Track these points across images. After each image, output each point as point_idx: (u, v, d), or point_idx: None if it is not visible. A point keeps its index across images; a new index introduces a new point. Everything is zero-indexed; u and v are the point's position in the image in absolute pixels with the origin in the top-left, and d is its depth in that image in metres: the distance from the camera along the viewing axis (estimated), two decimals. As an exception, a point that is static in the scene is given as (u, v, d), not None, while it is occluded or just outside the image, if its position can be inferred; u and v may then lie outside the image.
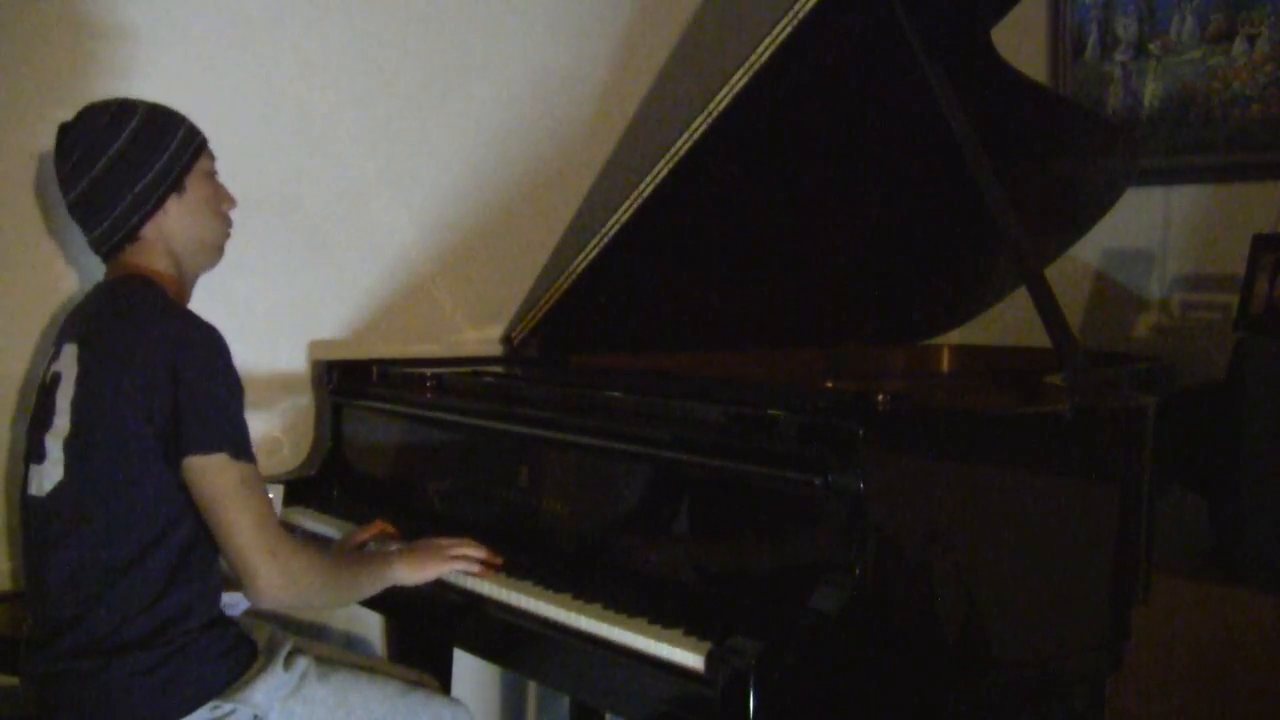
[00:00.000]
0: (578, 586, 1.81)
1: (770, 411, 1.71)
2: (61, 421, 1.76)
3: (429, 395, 2.31)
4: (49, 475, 1.76)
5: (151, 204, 1.84)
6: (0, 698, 1.97)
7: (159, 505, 1.73)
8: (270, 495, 1.84)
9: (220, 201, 1.95)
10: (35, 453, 1.80)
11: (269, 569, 1.70)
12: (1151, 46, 3.03)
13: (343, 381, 2.47)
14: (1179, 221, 3.03)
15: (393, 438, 2.43)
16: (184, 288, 1.92)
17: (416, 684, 1.98)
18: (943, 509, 1.67)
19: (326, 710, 1.84)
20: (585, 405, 2.04)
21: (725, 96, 2.19)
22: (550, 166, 2.86)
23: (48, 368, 1.84)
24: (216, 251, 1.96)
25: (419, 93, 2.65)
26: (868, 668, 1.57)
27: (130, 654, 1.71)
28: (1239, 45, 2.88)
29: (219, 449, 1.71)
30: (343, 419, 2.48)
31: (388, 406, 2.39)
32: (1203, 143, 2.96)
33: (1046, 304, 1.97)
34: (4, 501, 2.11)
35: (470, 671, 2.67)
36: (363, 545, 2.08)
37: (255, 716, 1.77)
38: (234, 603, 1.88)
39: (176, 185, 1.86)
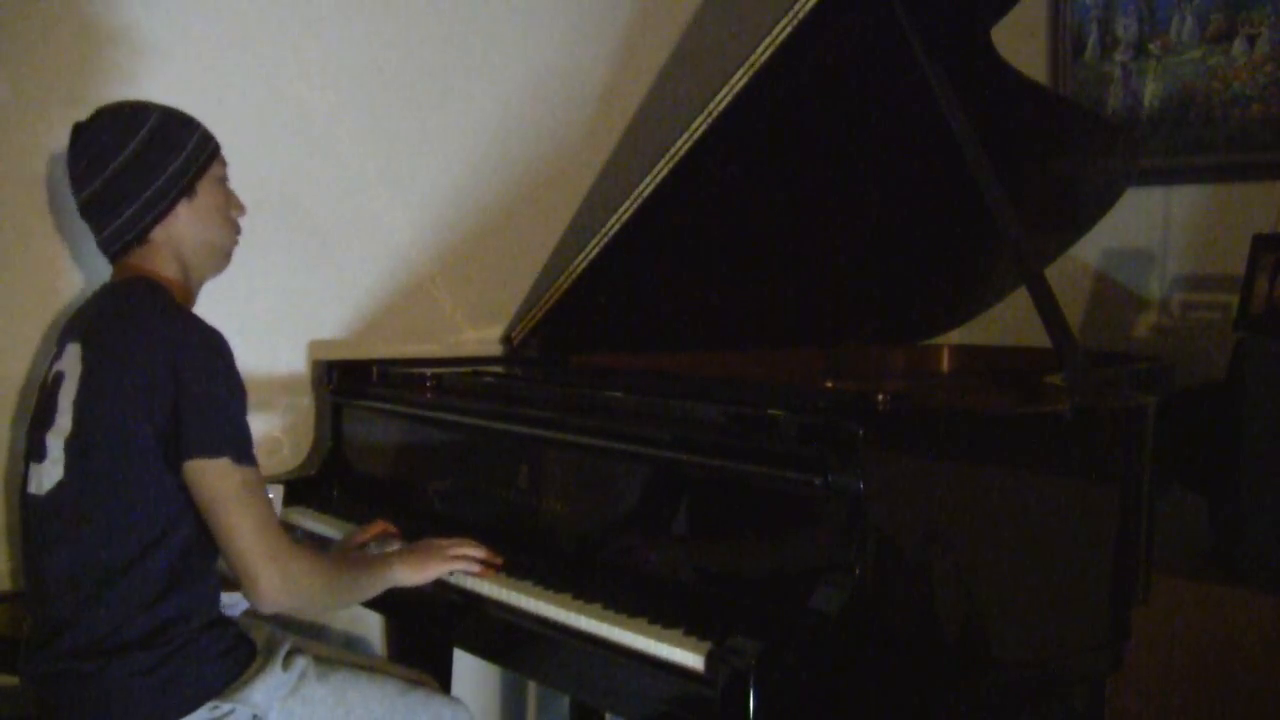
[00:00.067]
0: (578, 586, 1.81)
1: (770, 411, 1.71)
2: (63, 420, 1.76)
3: (429, 395, 2.31)
4: (49, 474, 1.76)
5: (162, 207, 1.85)
6: (0, 698, 1.97)
7: (159, 506, 1.73)
8: (270, 496, 1.84)
9: (230, 208, 1.96)
10: (36, 451, 1.80)
11: (270, 573, 1.70)
12: (1151, 46, 3.03)
13: (343, 381, 2.47)
14: (1179, 221, 3.03)
15: (393, 438, 2.43)
16: (190, 292, 1.92)
17: (416, 683, 1.98)
18: (943, 509, 1.67)
19: (326, 710, 1.84)
20: (585, 405, 2.04)
21: (725, 96, 2.19)
22: (550, 166, 2.86)
23: (50, 367, 1.84)
24: (224, 257, 1.97)
25: (419, 93, 2.65)
26: (868, 668, 1.57)
27: (130, 654, 1.71)
28: (1239, 45, 2.88)
29: (221, 453, 1.71)
30: (343, 419, 2.48)
31: (388, 406, 2.39)
32: (1203, 143, 2.96)
33: (1046, 304, 1.97)
34: (4, 502, 2.11)
35: (470, 671, 2.67)
36: (363, 545, 2.08)
37: (254, 716, 1.77)
38: (233, 603, 1.88)
39: (188, 190, 1.87)
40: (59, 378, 1.79)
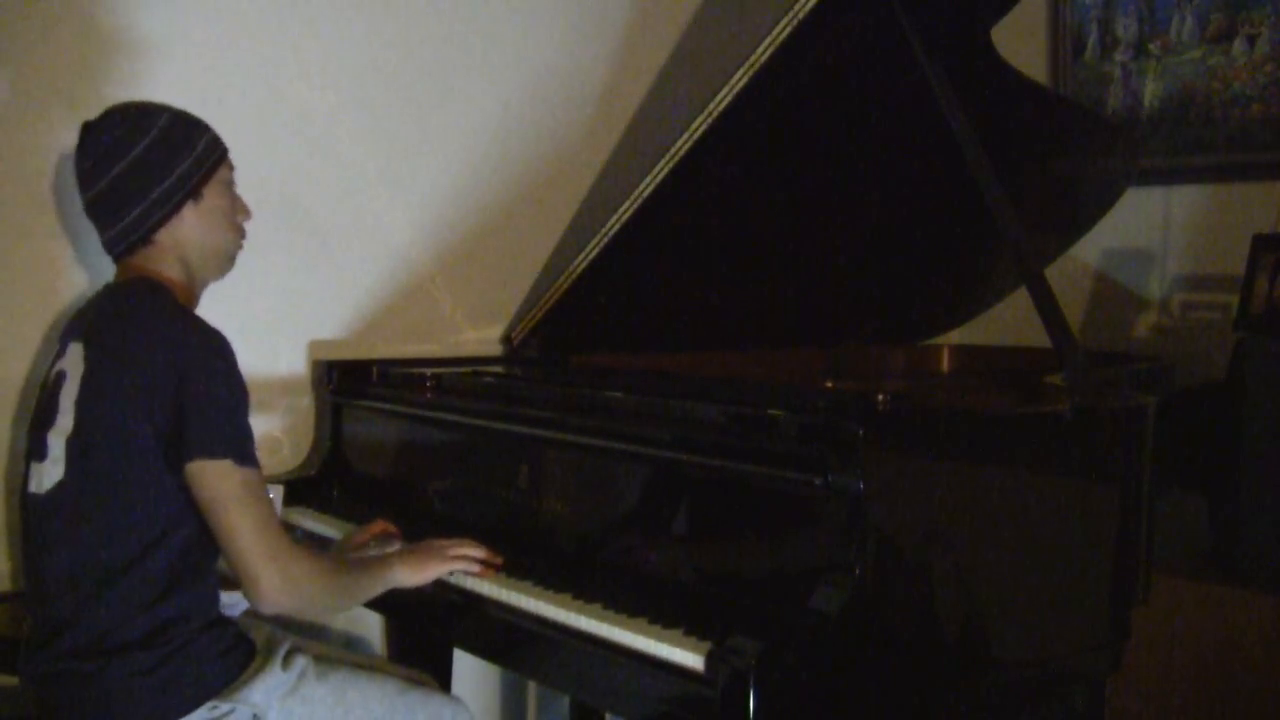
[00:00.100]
0: (578, 586, 1.81)
1: (770, 411, 1.71)
2: (65, 420, 1.76)
3: (429, 395, 2.31)
4: (49, 473, 1.76)
5: (168, 209, 1.85)
6: (0, 698, 1.97)
7: (159, 506, 1.73)
8: (271, 496, 1.84)
9: (236, 212, 1.96)
10: (37, 450, 1.80)
11: (271, 574, 1.70)
12: (1151, 46, 3.03)
13: (343, 381, 2.47)
14: (1179, 221, 3.03)
15: (393, 438, 2.43)
16: (193, 294, 1.92)
17: (415, 682, 1.98)
18: (943, 509, 1.67)
19: (325, 709, 1.84)
20: (585, 405, 2.04)
21: (725, 96, 2.19)
22: (550, 166, 2.86)
23: (52, 366, 1.84)
24: (228, 261, 1.97)
25: (419, 93, 2.65)
26: (868, 668, 1.57)
27: (130, 654, 1.71)
28: (1239, 45, 2.88)
29: (223, 454, 1.71)
30: (343, 419, 2.48)
31: (388, 406, 2.39)
32: (1203, 143, 2.96)
33: (1046, 304, 1.97)
34: (4, 502, 2.11)
35: (470, 671, 2.67)
36: (364, 545, 2.08)
37: (254, 716, 1.77)
38: (234, 603, 1.88)
39: (194, 193, 1.87)
40: (61, 377, 1.80)
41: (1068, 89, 3.14)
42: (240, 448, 1.73)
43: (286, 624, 1.98)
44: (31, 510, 1.81)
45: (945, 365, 2.99)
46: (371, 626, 2.59)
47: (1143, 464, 1.91)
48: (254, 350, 2.35)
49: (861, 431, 1.56)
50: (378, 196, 2.60)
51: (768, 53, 2.13)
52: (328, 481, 2.47)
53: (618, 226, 2.38)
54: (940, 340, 3.06)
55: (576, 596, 1.78)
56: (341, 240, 2.55)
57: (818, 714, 1.53)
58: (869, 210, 2.71)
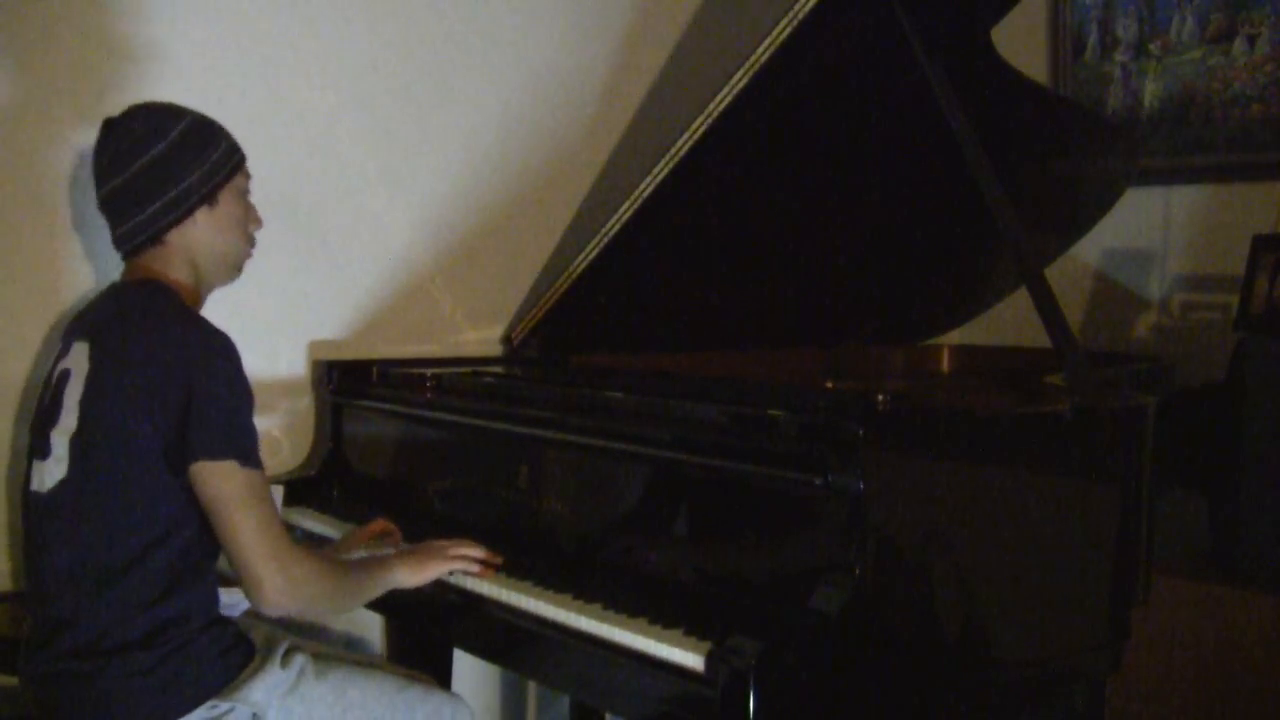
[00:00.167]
0: (578, 586, 1.81)
1: (770, 411, 1.71)
2: (69, 419, 1.76)
3: (429, 395, 2.31)
4: (52, 472, 1.76)
5: (182, 211, 1.85)
6: (0, 698, 1.97)
7: (160, 507, 1.73)
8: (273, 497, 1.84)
9: (249, 221, 1.96)
10: (40, 448, 1.80)
11: (274, 577, 1.70)
12: (1151, 47, 3.04)
13: (343, 382, 2.47)
14: (1179, 221, 3.03)
15: (393, 438, 2.43)
16: (198, 298, 1.93)
17: (415, 679, 1.98)
18: (943, 509, 1.67)
19: (325, 707, 1.84)
20: (585, 405, 2.04)
21: (725, 96, 2.19)
22: (550, 166, 2.86)
23: (55, 364, 1.84)
24: (235, 269, 1.98)
25: (419, 93, 2.65)
26: (868, 668, 1.57)
27: (129, 654, 1.71)
28: (1239, 45, 2.89)
29: (227, 455, 1.71)
30: (343, 419, 2.48)
31: (388, 407, 2.39)
32: (1203, 143, 2.96)
33: (1046, 304, 1.97)
34: (4, 502, 2.11)
35: (470, 671, 2.67)
36: (363, 545, 2.08)
37: (254, 715, 1.77)
38: (234, 603, 1.88)
39: (209, 198, 1.88)
40: (65, 375, 1.80)
41: (1068, 89, 3.14)
42: (244, 449, 1.73)
43: (286, 624, 1.98)
44: (33, 508, 1.81)
45: (945, 365, 2.98)
46: (371, 627, 2.59)
47: (1143, 464, 1.91)
48: (254, 350, 2.34)
49: (861, 431, 1.56)
50: (378, 196, 2.60)
51: (768, 53, 2.13)
52: (328, 481, 2.47)
53: (618, 227, 2.38)
54: (940, 340, 3.06)
55: (576, 596, 1.78)
56: (341, 240, 2.55)
57: (818, 714, 1.53)
58: (869, 210, 2.71)
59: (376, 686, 1.89)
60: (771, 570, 1.68)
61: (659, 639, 1.61)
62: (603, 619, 1.69)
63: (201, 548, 1.77)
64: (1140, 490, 1.91)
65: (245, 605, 1.86)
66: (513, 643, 1.88)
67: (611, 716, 2.55)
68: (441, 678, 2.38)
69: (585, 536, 1.97)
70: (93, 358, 1.77)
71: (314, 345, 2.53)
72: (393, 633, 2.58)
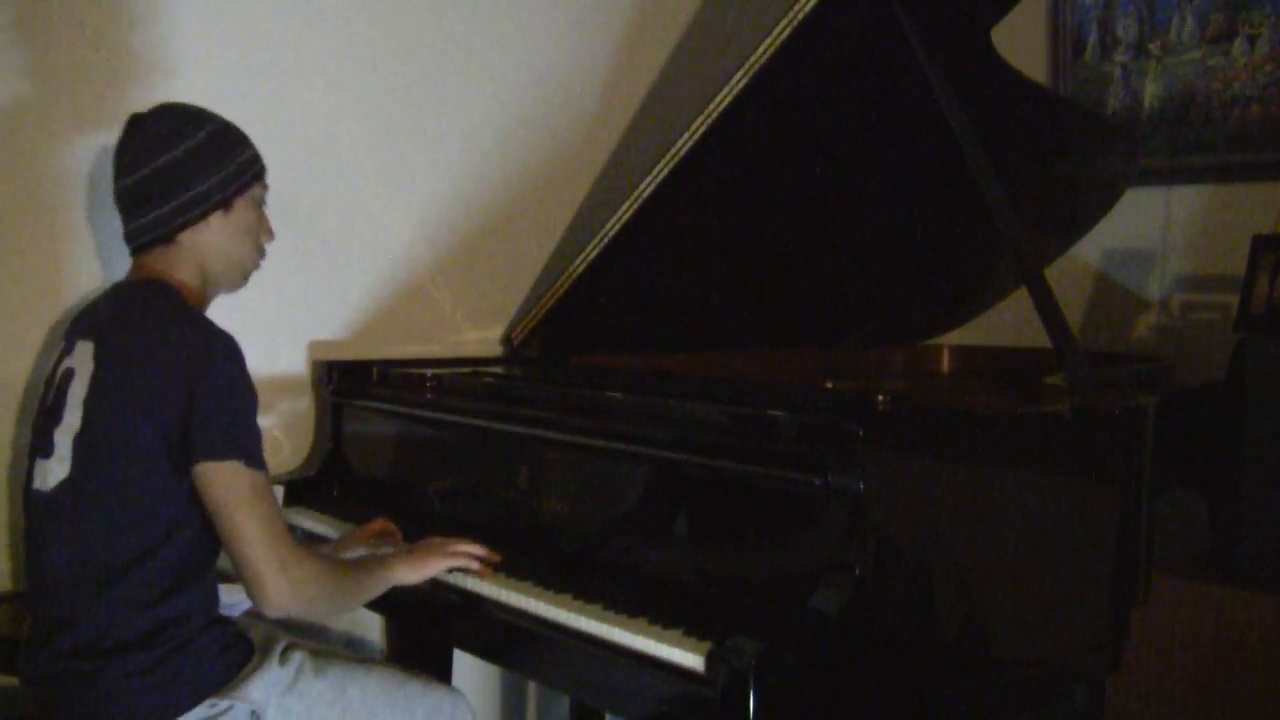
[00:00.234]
0: (578, 586, 1.81)
1: (770, 411, 1.71)
2: (72, 418, 1.76)
3: (429, 395, 2.31)
4: (54, 471, 1.76)
5: (196, 213, 1.85)
6: (0, 698, 1.97)
7: (162, 508, 1.73)
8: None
9: (261, 232, 1.97)
10: (42, 447, 1.80)
11: (277, 578, 1.70)
12: (1151, 47, 3.04)
13: (343, 382, 2.47)
14: (1179, 221, 3.03)
15: (393, 438, 2.43)
16: (203, 301, 1.93)
17: (413, 675, 1.98)
18: (943, 509, 1.67)
19: (324, 704, 1.84)
20: (585, 405, 2.04)
21: (725, 96, 2.19)
22: (550, 166, 2.86)
23: (58, 363, 1.84)
24: (243, 277, 1.98)
25: (419, 93, 2.65)
26: (868, 668, 1.57)
27: (129, 654, 1.71)
28: (1239, 45, 2.89)
29: (231, 456, 1.71)
30: (343, 419, 2.48)
31: (388, 407, 2.39)
32: (1203, 143, 2.96)
33: (1046, 304, 1.97)
34: (6, 501, 2.11)
35: (470, 671, 2.67)
36: (363, 544, 2.08)
37: (253, 713, 1.77)
38: (235, 603, 1.88)
39: (225, 203, 1.88)
40: (69, 374, 1.80)
41: (1068, 89, 3.14)
42: (248, 450, 1.73)
43: (286, 623, 1.98)
44: (34, 507, 1.81)
45: (945, 365, 2.98)
46: (371, 627, 2.59)
47: (1143, 464, 1.91)
48: (254, 350, 2.33)
49: (861, 432, 1.56)
50: (378, 196, 2.60)
51: (768, 53, 2.12)
52: (328, 481, 2.47)
53: (618, 227, 2.38)
54: (940, 340, 3.06)
55: (576, 597, 1.78)
56: (341, 240, 2.55)
57: (818, 714, 1.53)
58: (869, 210, 2.71)
59: (375, 683, 1.90)
60: (771, 570, 1.68)
61: (659, 639, 1.61)
62: (603, 619, 1.69)
63: (202, 548, 1.77)
64: (1140, 490, 1.91)
65: (246, 605, 1.86)
66: (513, 643, 1.88)
67: (611, 716, 2.55)
68: (441, 678, 2.37)
69: (585, 536, 1.97)
70: (97, 358, 1.77)
71: (314, 345, 2.53)
72: (393, 633, 2.58)
